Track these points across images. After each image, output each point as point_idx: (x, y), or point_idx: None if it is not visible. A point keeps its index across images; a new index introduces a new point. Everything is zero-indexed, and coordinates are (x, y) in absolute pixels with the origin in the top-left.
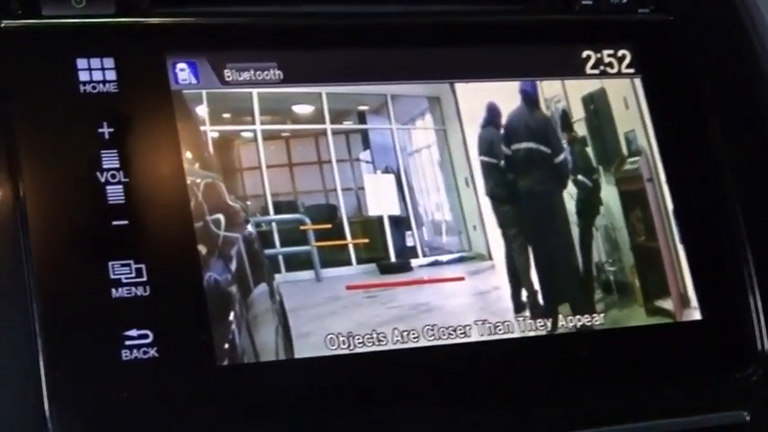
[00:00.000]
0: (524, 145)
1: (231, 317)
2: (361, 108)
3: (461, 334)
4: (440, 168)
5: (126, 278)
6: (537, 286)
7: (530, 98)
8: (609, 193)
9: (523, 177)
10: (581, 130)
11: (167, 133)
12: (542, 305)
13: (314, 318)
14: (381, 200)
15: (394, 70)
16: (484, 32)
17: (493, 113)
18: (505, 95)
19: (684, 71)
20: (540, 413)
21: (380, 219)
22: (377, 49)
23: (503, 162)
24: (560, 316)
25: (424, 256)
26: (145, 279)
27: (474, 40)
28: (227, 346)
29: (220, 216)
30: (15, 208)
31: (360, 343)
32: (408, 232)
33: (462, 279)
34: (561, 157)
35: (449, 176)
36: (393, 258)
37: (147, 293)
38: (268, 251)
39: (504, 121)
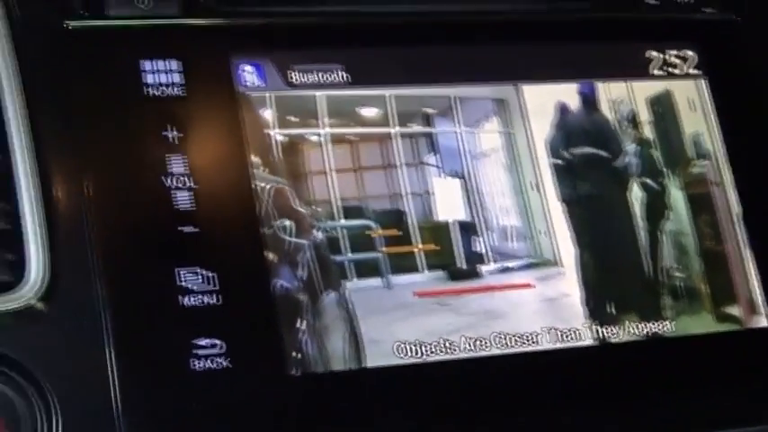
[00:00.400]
0: (585, 149)
1: (301, 325)
2: (427, 110)
3: (530, 342)
4: (507, 172)
5: (194, 286)
6: (605, 293)
7: (588, 100)
8: (676, 197)
9: (588, 181)
10: (647, 132)
11: (233, 136)
12: (611, 312)
13: (382, 325)
14: (449, 205)
15: (459, 71)
16: (547, 31)
17: (562, 114)
18: (572, 96)
19: (751, 73)
20: (611, 421)
21: (448, 224)
22: (443, 48)
23: (568, 165)
24: (629, 323)
25: (493, 262)
26: (214, 287)
27: (538, 39)
28: (298, 355)
29: (288, 222)
30: (82, 213)
31: (429, 351)
32: (476, 238)
33: (531, 285)
34: (625, 160)
35: (516, 180)
36: (461, 264)
37: (216, 302)
38: (336, 257)
39: (567, 122)
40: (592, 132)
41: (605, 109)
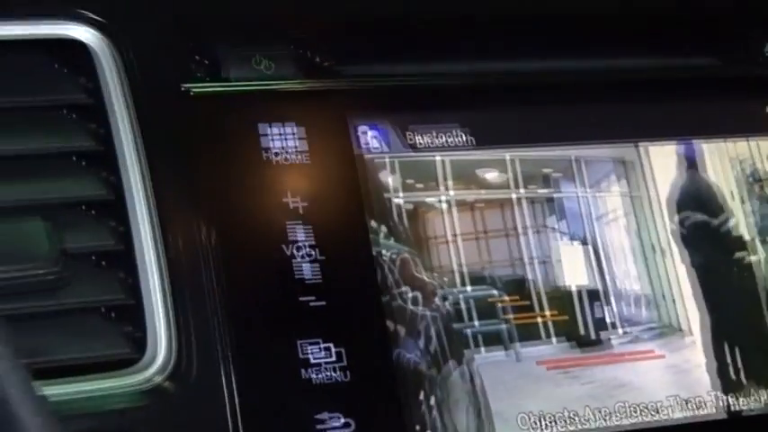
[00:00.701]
0: (709, 210)
1: (425, 398)
2: (548, 172)
3: (654, 411)
4: (631, 235)
5: (318, 359)
6: (731, 360)
7: (711, 159)
8: None
9: (712, 244)
10: None
11: (354, 202)
12: (737, 380)
13: (507, 396)
14: (573, 270)
15: (579, 131)
16: (669, 89)
17: (685, 174)
18: (695, 155)
19: None
20: None
21: (573, 291)
22: (563, 108)
23: (693, 227)
24: (755, 391)
25: (618, 329)
26: (337, 360)
27: (659, 97)
28: (422, 429)
29: (411, 290)
30: (204, 284)
31: (553, 422)
32: (601, 305)
33: (656, 353)
34: (750, 220)
35: (640, 244)
36: (586, 333)
37: (339, 375)
38: (460, 327)
39: (690, 183)
40: (716, 193)
41: (729, 167)
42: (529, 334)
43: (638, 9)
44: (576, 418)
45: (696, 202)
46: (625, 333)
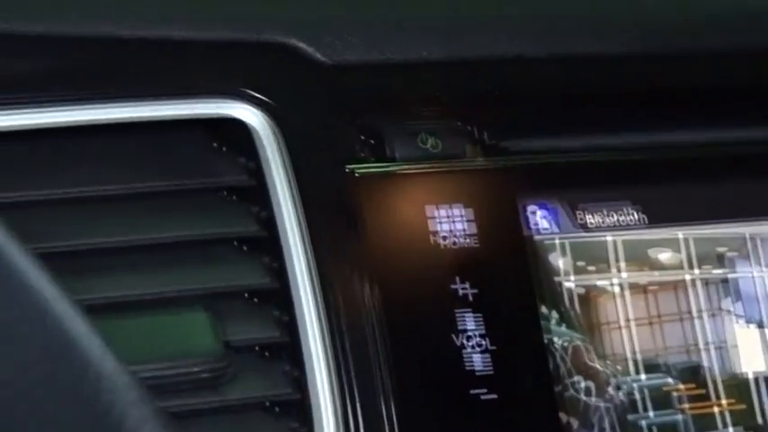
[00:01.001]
0: None
1: None
2: (722, 251)
3: None
4: None
5: None
6: None
7: None
8: None
9: None
10: None
11: (524, 287)
12: None
13: None
14: (750, 356)
15: (754, 207)
16: None
17: None
18: None
19: None
20: None
21: (750, 378)
22: (735, 183)
23: None
24: None
25: None
26: None
27: None
28: None
29: (583, 379)
30: (373, 376)
31: None
32: None
33: None
34: None
35: None
36: (764, 422)
37: None
38: (634, 417)
39: None
40: None
41: None
42: (705, 425)
43: None
44: None
45: None
46: None
